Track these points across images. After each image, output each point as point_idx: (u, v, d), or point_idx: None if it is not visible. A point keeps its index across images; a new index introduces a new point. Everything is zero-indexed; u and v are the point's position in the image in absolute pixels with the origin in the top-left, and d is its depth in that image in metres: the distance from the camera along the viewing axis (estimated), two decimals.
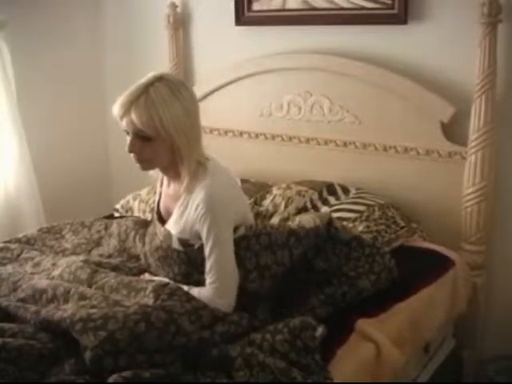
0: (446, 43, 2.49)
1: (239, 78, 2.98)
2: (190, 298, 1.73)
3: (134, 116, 1.70)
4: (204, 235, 1.77)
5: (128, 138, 1.77)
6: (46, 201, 3.16)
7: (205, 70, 3.20)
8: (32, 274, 2.06)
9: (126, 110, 1.71)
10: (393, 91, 2.57)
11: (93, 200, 3.45)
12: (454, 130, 2.50)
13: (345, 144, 2.73)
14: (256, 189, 2.72)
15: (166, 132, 1.71)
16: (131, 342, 1.55)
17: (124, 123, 1.74)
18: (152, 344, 1.56)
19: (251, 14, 2.95)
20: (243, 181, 2.83)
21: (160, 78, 1.76)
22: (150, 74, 1.77)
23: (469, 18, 2.35)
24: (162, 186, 2.03)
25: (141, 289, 1.78)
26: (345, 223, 2.41)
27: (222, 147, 3.04)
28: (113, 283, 1.84)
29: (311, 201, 2.56)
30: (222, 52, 3.10)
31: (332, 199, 2.57)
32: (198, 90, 3.14)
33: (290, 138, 2.89)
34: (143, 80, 1.77)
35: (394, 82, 2.56)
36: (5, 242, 2.43)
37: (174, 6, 3.11)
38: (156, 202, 2.05)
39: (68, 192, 3.36)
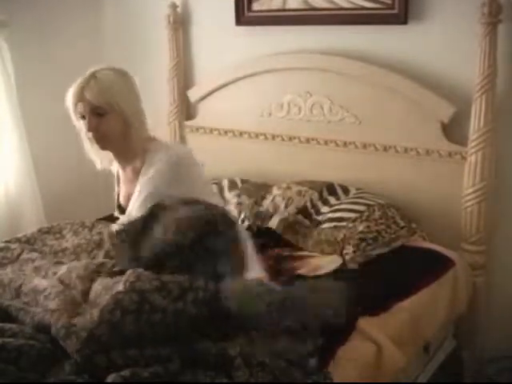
0: (446, 43, 2.49)
1: (239, 78, 2.98)
2: (157, 276, 1.71)
3: (87, 94, 1.89)
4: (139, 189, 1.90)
5: (83, 124, 1.95)
6: (46, 201, 3.16)
7: (205, 70, 3.20)
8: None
9: (79, 93, 1.90)
10: (393, 91, 2.57)
11: (93, 200, 3.45)
12: (454, 130, 2.50)
13: (345, 144, 2.73)
14: (256, 189, 2.72)
15: (117, 105, 1.90)
16: (111, 333, 1.54)
17: (79, 107, 1.92)
18: (131, 328, 1.56)
19: (251, 13, 2.95)
20: (243, 181, 2.83)
21: (104, 68, 1.98)
22: (93, 68, 1.97)
23: (469, 18, 2.35)
24: (118, 180, 2.10)
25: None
26: (345, 223, 2.42)
27: (222, 147, 3.05)
28: (99, 288, 1.83)
29: (311, 201, 2.56)
30: (222, 52, 3.10)
31: (332, 199, 2.57)
32: (198, 90, 3.16)
33: (290, 138, 2.89)
34: (87, 72, 1.95)
35: (394, 82, 2.56)
36: (5, 241, 2.43)
37: (174, 6, 3.11)
38: (116, 198, 2.11)
39: (68, 192, 3.36)
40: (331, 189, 2.62)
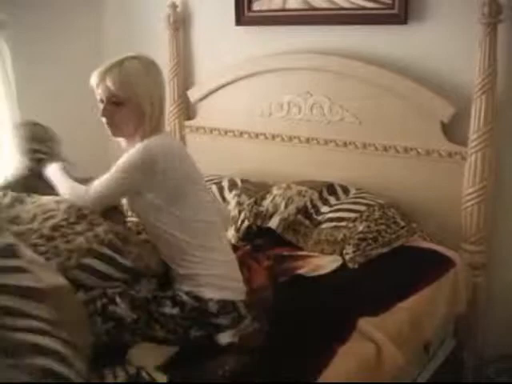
0: (446, 43, 2.49)
1: (239, 78, 2.98)
2: None
3: (108, 81, 1.85)
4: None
5: (101, 105, 1.93)
6: None
7: (205, 70, 3.20)
8: None
9: (102, 77, 1.86)
10: (393, 91, 2.57)
11: None
12: (454, 130, 2.50)
13: (345, 144, 2.73)
14: (256, 189, 2.72)
15: (136, 98, 1.86)
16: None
17: (100, 90, 1.89)
18: None
19: (251, 13, 2.95)
20: (243, 181, 2.83)
21: (134, 57, 1.91)
22: (126, 54, 1.92)
23: (469, 18, 2.35)
24: None
25: None
26: (345, 223, 2.42)
27: (222, 147, 3.06)
28: None
29: (311, 201, 2.56)
30: (222, 52, 3.10)
31: (332, 199, 2.57)
32: (198, 90, 3.16)
33: (290, 138, 2.89)
34: (118, 57, 1.90)
35: (394, 81, 2.56)
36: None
37: (174, 6, 3.11)
38: None
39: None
40: (331, 189, 2.62)
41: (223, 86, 3.05)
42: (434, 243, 2.46)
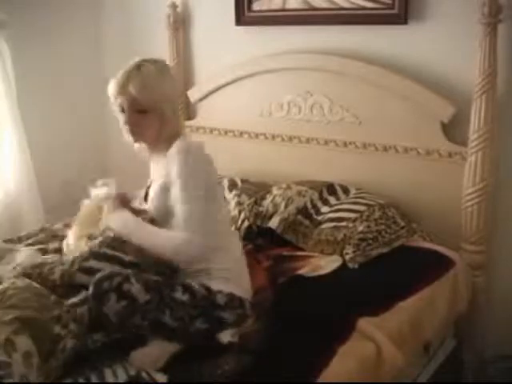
0: (446, 43, 2.49)
1: (239, 78, 2.98)
2: None
3: (131, 89, 1.83)
4: (175, 189, 1.81)
5: (122, 115, 1.89)
6: (46, 201, 3.16)
7: (205, 70, 3.20)
8: None
9: (123, 86, 1.84)
10: (393, 91, 2.57)
11: None
12: (454, 130, 2.50)
13: (345, 144, 2.73)
14: (256, 189, 2.72)
15: (159, 103, 1.86)
16: None
17: (121, 99, 1.86)
18: None
19: (251, 13, 2.95)
20: (243, 181, 2.83)
21: (147, 60, 1.90)
22: (136, 59, 1.91)
23: (469, 18, 2.34)
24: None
25: None
26: (345, 223, 2.42)
27: (222, 147, 3.05)
28: None
29: (311, 201, 2.56)
30: (222, 52, 3.10)
31: (332, 199, 2.57)
32: (198, 90, 3.16)
33: (290, 138, 2.89)
34: (131, 63, 1.89)
35: (394, 81, 2.56)
36: (5, 240, 2.44)
37: (174, 6, 3.11)
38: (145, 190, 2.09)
39: (68, 191, 3.35)
40: (331, 189, 2.62)
41: (223, 86, 3.05)
42: (434, 243, 2.46)
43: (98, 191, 2.18)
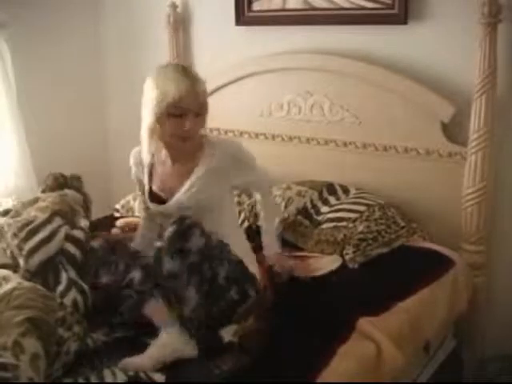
0: (446, 43, 2.49)
1: (239, 78, 2.98)
2: None
3: (199, 93, 1.92)
4: (245, 171, 2.07)
5: (175, 121, 1.91)
6: None
7: (205, 69, 3.18)
8: None
9: (194, 91, 1.90)
10: (393, 91, 2.57)
11: (93, 200, 3.44)
12: (454, 130, 2.50)
13: (345, 144, 2.73)
14: None
15: (207, 105, 1.98)
16: None
17: (186, 103, 1.90)
18: None
19: (251, 13, 2.95)
20: None
21: (182, 65, 2.05)
22: (173, 64, 2.04)
23: (469, 18, 2.35)
24: (150, 174, 2.11)
25: None
26: (345, 223, 2.42)
27: None
28: None
29: (311, 201, 2.56)
30: (222, 52, 3.10)
31: (332, 199, 2.57)
32: None
33: (290, 138, 2.89)
34: (176, 68, 1.97)
35: (394, 81, 2.56)
36: None
37: (174, 6, 3.11)
38: (147, 189, 2.11)
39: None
40: (331, 189, 2.62)
41: (223, 86, 3.04)
42: (434, 243, 2.46)
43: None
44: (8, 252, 2.05)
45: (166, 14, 3.11)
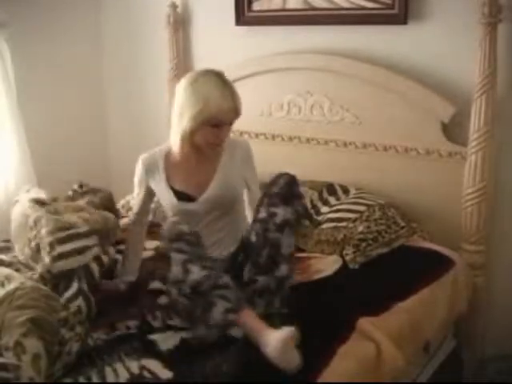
0: (446, 43, 2.49)
1: (239, 78, 2.96)
2: None
3: (238, 104, 2.00)
4: (250, 173, 2.17)
5: (213, 130, 1.96)
6: None
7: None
8: None
9: (234, 103, 1.98)
10: (393, 91, 2.57)
11: None
12: (454, 130, 2.50)
13: (345, 144, 2.73)
14: None
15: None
16: None
17: (226, 118, 1.97)
18: None
19: (251, 13, 2.95)
20: None
21: (221, 74, 2.04)
22: (212, 72, 2.01)
23: (469, 18, 2.35)
24: (167, 175, 2.11)
25: None
26: (345, 223, 2.42)
27: None
28: None
29: (311, 201, 2.56)
30: (222, 52, 3.10)
31: (332, 199, 2.57)
32: None
33: (290, 138, 2.89)
34: (218, 78, 2.00)
35: (394, 81, 2.56)
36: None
37: (174, 6, 3.11)
38: (169, 190, 2.10)
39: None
40: (331, 189, 2.62)
41: None
42: (434, 243, 2.46)
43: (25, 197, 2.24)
44: (33, 244, 2.03)
45: (165, 14, 3.11)
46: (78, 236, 1.97)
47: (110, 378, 1.61)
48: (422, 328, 2.10)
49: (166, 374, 1.63)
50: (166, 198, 2.12)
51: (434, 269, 2.29)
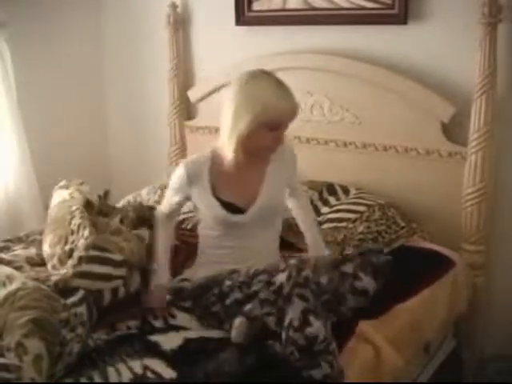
0: (446, 43, 2.49)
1: None
2: None
3: (297, 104, 1.96)
4: (295, 174, 2.16)
5: (269, 134, 1.91)
6: (45, 200, 3.16)
7: (205, 70, 3.20)
8: None
9: (293, 105, 1.95)
10: (393, 91, 2.57)
11: None
12: (454, 130, 2.50)
13: (345, 144, 2.73)
14: None
15: None
16: None
17: (286, 119, 1.94)
18: None
19: (251, 13, 2.95)
20: None
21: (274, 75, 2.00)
22: (265, 73, 1.99)
23: (469, 18, 2.35)
24: (213, 187, 1.99)
25: None
26: (345, 224, 2.42)
27: None
28: None
29: (311, 201, 2.55)
30: (222, 52, 3.10)
31: (332, 199, 2.57)
32: (198, 90, 3.16)
33: (290, 138, 2.88)
34: (274, 80, 1.96)
35: (394, 81, 2.56)
36: (5, 240, 2.44)
37: (174, 6, 3.11)
38: (216, 204, 1.98)
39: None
40: (331, 189, 2.62)
41: (223, 85, 3.03)
42: (434, 243, 2.46)
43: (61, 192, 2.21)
44: (67, 247, 2.01)
45: (166, 14, 3.11)
46: (109, 262, 1.92)
47: (113, 378, 1.61)
48: (423, 328, 2.10)
49: (169, 373, 1.62)
50: (210, 209, 1.99)
51: (434, 269, 2.29)
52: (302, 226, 2.20)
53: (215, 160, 2.00)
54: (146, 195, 2.83)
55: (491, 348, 2.59)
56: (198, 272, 2.02)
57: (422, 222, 2.54)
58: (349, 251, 2.29)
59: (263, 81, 1.91)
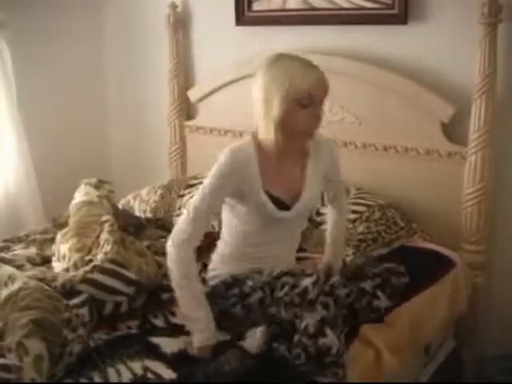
0: (446, 43, 2.49)
1: (239, 78, 2.97)
2: None
3: (325, 76, 1.85)
4: (337, 171, 2.06)
5: (303, 111, 1.78)
6: (45, 200, 3.16)
7: (205, 70, 3.20)
8: None
9: (324, 78, 1.84)
10: (393, 91, 2.57)
11: None
12: (454, 130, 2.50)
13: (345, 144, 2.73)
14: None
15: None
16: None
17: (321, 92, 1.82)
18: None
19: (251, 13, 2.95)
20: None
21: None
22: (289, 53, 1.86)
23: (469, 18, 2.34)
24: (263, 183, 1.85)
25: None
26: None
27: (222, 147, 3.04)
28: None
29: None
30: (222, 52, 3.10)
31: None
32: (198, 90, 3.16)
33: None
34: (299, 57, 1.85)
35: (394, 82, 2.56)
36: (5, 240, 2.44)
37: (174, 6, 3.11)
38: (265, 199, 1.83)
39: (68, 191, 3.35)
40: None
41: (223, 85, 3.04)
42: (434, 243, 2.46)
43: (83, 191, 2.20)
44: (87, 258, 2.02)
45: (165, 14, 3.11)
46: (121, 277, 1.90)
47: (113, 378, 1.61)
48: (423, 329, 2.10)
49: (169, 374, 1.63)
50: (258, 204, 1.83)
51: (434, 270, 2.29)
52: (330, 227, 2.12)
53: (259, 150, 1.85)
54: (146, 195, 2.83)
55: (491, 348, 2.59)
56: (223, 269, 1.92)
57: (422, 222, 2.54)
58: (349, 251, 2.28)
59: (287, 59, 1.82)
